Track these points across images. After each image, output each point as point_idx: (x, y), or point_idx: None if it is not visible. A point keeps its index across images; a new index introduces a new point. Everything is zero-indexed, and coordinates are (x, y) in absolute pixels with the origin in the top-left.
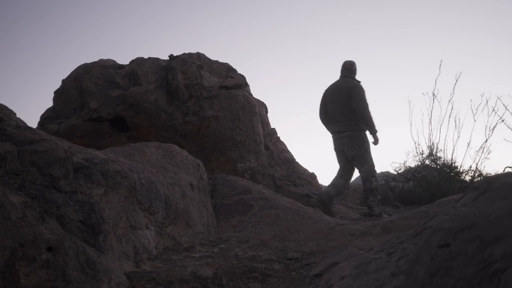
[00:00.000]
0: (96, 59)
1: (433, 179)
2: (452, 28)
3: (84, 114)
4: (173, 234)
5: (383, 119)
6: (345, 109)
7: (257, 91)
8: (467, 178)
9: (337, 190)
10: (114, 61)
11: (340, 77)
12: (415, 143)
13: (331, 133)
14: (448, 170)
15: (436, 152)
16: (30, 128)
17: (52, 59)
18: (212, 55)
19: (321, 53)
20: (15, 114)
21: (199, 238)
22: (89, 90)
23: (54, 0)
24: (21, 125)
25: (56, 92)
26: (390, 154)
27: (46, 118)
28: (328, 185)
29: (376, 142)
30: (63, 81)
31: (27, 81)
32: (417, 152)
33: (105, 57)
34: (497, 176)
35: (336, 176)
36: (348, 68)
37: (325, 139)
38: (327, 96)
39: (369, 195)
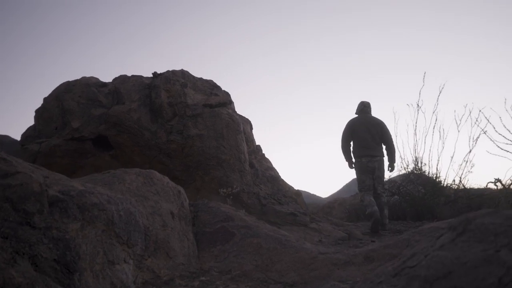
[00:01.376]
0: (79, 75)
1: (418, 193)
2: (437, 40)
3: (66, 134)
4: (153, 266)
5: None
6: (377, 139)
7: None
8: (451, 191)
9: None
10: (97, 79)
11: (363, 113)
12: (400, 155)
13: (363, 156)
14: (432, 186)
15: (421, 166)
16: (5, 159)
17: (35, 75)
18: (196, 69)
19: (308, 66)
20: None
21: (179, 270)
22: (71, 109)
23: (38, 16)
24: None
25: (37, 111)
26: None
27: (28, 137)
28: (374, 205)
29: (393, 168)
30: (45, 99)
31: (10, 97)
32: (402, 166)
33: (88, 73)
34: (475, 216)
35: (370, 195)
36: (369, 107)
37: (310, 152)
38: (358, 127)
39: (386, 208)
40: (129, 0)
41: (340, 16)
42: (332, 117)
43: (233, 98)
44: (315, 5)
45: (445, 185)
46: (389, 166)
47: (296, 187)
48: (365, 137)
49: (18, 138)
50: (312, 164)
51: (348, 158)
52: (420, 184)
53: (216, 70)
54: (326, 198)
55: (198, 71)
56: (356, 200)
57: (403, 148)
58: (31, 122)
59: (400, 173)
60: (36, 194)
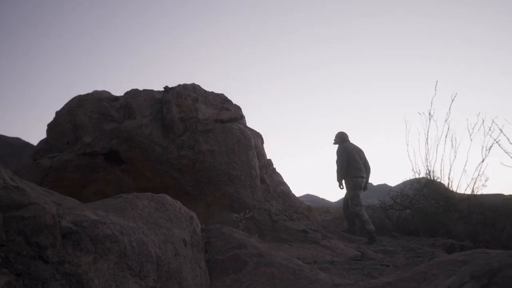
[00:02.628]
0: (91, 84)
1: (431, 208)
2: (449, 49)
3: (78, 149)
4: None
5: (380, 137)
6: (362, 163)
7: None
8: (465, 206)
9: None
10: (108, 93)
11: (346, 141)
12: (412, 163)
13: (358, 177)
14: (445, 200)
15: (433, 174)
16: (17, 187)
17: (48, 86)
18: (207, 83)
19: (318, 71)
20: (4, 168)
21: None
22: (83, 124)
23: (52, 28)
24: (9, 184)
25: (49, 125)
26: (387, 175)
27: (40, 150)
28: (370, 221)
29: (366, 188)
30: (57, 113)
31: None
32: (414, 175)
33: (99, 83)
34: (500, 265)
35: (364, 210)
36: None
37: (319, 156)
38: (352, 153)
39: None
40: (138, 12)
41: (353, 22)
42: (342, 121)
43: (241, 103)
44: (328, 10)
45: (458, 200)
46: (365, 185)
47: (305, 191)
48: (358, 161)
49: (29, 140)
50: (321, 168)
51: (342, 179)
52: (433, 198)
53: (228, 83)
54: (335, 202)
55: (209, 84)
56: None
57: (415, 157)
58: (41, 122)
59: (413, 186)
60: (49, 227)
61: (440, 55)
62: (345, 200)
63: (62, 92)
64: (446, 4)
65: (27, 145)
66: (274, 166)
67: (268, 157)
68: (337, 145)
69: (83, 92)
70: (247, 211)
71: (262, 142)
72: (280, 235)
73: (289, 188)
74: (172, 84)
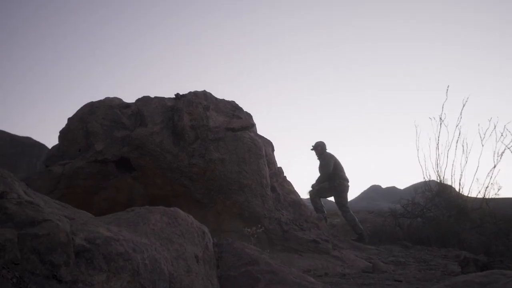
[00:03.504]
0: (101, 86)
1: (443, 217)
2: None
3: (89, 156)
4: None
5: (389, 140)
6: None
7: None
8: (477, 215)
9: None
10: (120, 100)
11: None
12: (422, 168)
13: (345, 180)
14: (457, 210)
15: (443, 177)
16: (31, 203)
17: (59, 86)
18: (216, 87)
19: (326, 73)
20: (18, 182)
21: None
22: (95, 131)
23: (63, 33)
24: (23, 199)
25: (61, 132)
26: (395, 178)
27: (52, 156)
28: (358, 222)
29: None
30: (69, 119)
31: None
32: (425, 180)
33: (111, 89)
34: None
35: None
36: None
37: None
38: (336, 159)
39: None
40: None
41: (365, 24)
42: (350, 125)
43: (250, 105)
44: (338, 12)
45: (470, 209)
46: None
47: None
48: (343, 167)
49: (40, 139)
50: None
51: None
52: (444, 207)
53: (238, 88)
54: None
55: (219, 90)
56: (378, 219)
57: (425, 162)
58: (52, 121)
59: (424, 195)
60: (63, 245)
61: (452, 60)
62: (342, 204)
63: (73, 92)
64: (458, 8)
65: (37, 144)
66: (285, 174)
67: (278, 164)
68: (314, 152)
69: (93, 94)
70: (259, 225)
71: (273, 150)
72: (291, 245)
73: (299, 197)
74: (182, 89)
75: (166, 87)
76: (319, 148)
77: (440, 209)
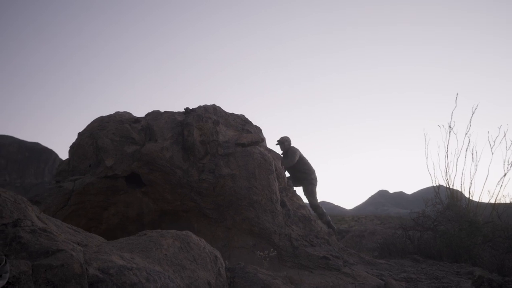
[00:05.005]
0: (113, 99)
1: (454, 231)
2: (470, 60)
3: (100, 172)
4: None
5: (396, 144)
6: None
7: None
8: (489, 229)
9: None
10: (130, 114)
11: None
12: (431, 176)
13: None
14: (469, 224)
15: (452, 185)
16: (45, 231)
17: (68, 93)
18: (228, 102)
19: (335, 79)
20: (31, 206)
21: None
22: (105, 147)
23: (75, 47)
24: (37, 227)
25: (72, 147)
26: (403, 183)
27: (62, 171)
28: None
29: None
30: (79, 135)
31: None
32: (434, 189)
33: (120, 99)
34: None
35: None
36: None
37: (335, 164)
38: (301, 154)
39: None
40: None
41: (372, 29)
42: (358, 131)
43: (257, 111)
44: (346, 16)
45: (482, 224)
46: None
47: (320, 198)
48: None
49: (48, 145)
50: (336, 176)
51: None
52: (456, 220)
53: (247, 102)
54: (350, 210)
55: (229, 102)
56: (387, 231)
57: (434, 170)
58: (60, 127)
59: (435, 208)
60: (77, 276)
61: (461, 67)
62: (313, 203)
63: (82, 98)
64: (469, 15)
65: (45, 150)
66: (295, 189)
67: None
68: (279, 147)
69: (101, 100)
70: (272, 249)
71: (282, 164)
72: (301, 261)
73: (309, 212)
74: (192, 101)
75: (175, 97)
76: (286, 144)
77: (451, 222)
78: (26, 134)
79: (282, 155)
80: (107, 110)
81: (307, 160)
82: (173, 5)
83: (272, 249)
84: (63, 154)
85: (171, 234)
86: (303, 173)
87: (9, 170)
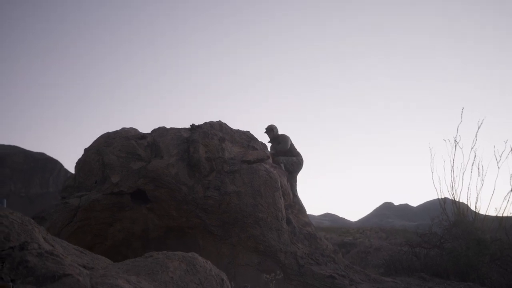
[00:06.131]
0: (118, 113)
1: (461, 249)
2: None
3: (106, 188)
4: None
5: (403, 158)
6: None
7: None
8: (496, 248)
9: None
10: (136, 130)
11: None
12: (437, 190)
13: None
14: (476, 243)
15: (458, 199)
16: (52, 254)
17: (72, 102)
18: (233, 117)
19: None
20: (38, 228)
21: None
22: (111, 163)
23: (81, 60)
24: (43, 250)
25: (78, 163)
26: (408, 195)
27: (68, 187)
28: None
29: None
30: (86, 151)
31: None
32: (440, 203)
33: (126, 114)
34: None
35: None
36: None
37: (339, 175)
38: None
39: None
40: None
41: (376, 40)
42: (362, 142)
43: (258, 119)
44: (348, 28)
45: (489, 242)
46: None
47: (324, 210)
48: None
49: (53, 155)
50: (341, 187)
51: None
52: (462, 238)
53: (250, 116)
54: (355, 221)
55: (234, 117)
56: (393, 247)
57: (440, 184)
58: (66, 137)
59: (441, 224)
60: None
61: (467, 81)
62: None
63: (87, 108)
64: (475, 27)
65: (51, 160)
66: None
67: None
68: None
69: (104, 113)
70: (278, 271)
71: (288, 180)
72: (307, 280)
73: (315, 229)
74: (198, 114)
75: (181, 112)
76: (275, 130)
77: (458, 240)
78: (32, 144)
79: (270, 142)
80: (113, 119)
81: (294, 146)
82: (182, 20)
83: (278, 271)
84: (68, 165)
85: (177, 256)
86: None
87: (14, 179)
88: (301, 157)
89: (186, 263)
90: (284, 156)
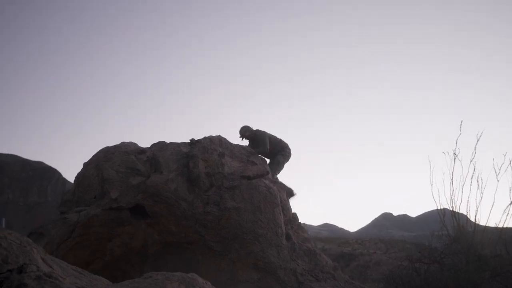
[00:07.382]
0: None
1: (461, 264)
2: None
3: (105, 204)
4: None
5: (402, 169)
6: None
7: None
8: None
9: None
10: (135, 145)
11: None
12: (436, 203)
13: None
14: (477, 258)
15: (458, 210)
16: (50, 277)
17: (72, 112)
18: (232, 129)
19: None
20: (36, 248)
21: None
22: (110, 178)
23: (83, 71)
24: (42, 272)
25: (77, 177)
26: (407, 206)
27: (67, 201)
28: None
29: None
30: (85, 165)
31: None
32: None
33: (127, 133)
34: None
35: None
36: None
37: (338, 185)
38: (270, 135)
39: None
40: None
41: (379, 48)
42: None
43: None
44: (350, 38)
45: (490, 256)
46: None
47: (323, 221)
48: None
49: (51, 164)
50: (339, 198)
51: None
52: (463, 254)
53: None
54: (354, 232)
55: (234, 130)
56: (393, 261)
57: (439, 197)
58: (64, 147)
59: (441, 239)
60: None
61: (466, 93)
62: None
63: (86, 117)
64: (477, 38)
65: (49, 169)
66: (300, 221)
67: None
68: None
69: (102, 122)
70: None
71: (288, 195)
72: None
73: (314, 245)
74: (198, 129)
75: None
76: (248, 132)
77: (458, 255)
78: (30, 152)
79: (249, 145)
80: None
81: (275, 137)
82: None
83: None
84: (66, 174)
85: (176, 277)
86: (280, 151)
87: (13, 188)
88: (289, 148)
89: (186, 285)
90: (280, 155)
